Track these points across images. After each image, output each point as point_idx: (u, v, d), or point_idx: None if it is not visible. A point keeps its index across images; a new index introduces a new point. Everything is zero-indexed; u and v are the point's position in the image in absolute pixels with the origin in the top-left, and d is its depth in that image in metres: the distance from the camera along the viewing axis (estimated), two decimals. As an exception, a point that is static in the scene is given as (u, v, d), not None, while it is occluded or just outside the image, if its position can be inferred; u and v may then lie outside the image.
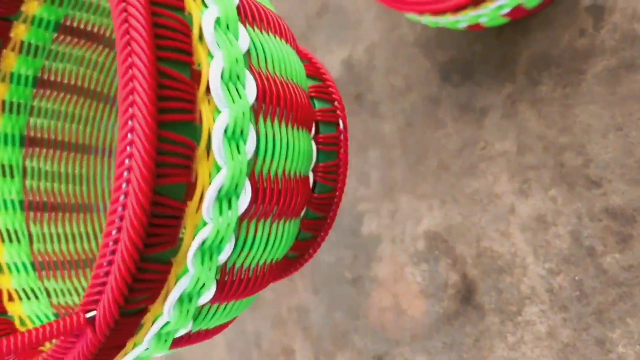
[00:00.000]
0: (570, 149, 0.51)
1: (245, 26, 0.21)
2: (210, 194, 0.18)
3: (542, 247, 0.51)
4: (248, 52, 0.21)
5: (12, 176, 0.32)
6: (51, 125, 0.36)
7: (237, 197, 0.19)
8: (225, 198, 0.19)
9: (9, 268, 0.31)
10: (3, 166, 0.32)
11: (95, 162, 0.39)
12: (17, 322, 0.29)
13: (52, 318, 0.31)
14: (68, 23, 0.35)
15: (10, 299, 0.30)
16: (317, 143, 0.27)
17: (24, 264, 0.31)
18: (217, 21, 0.19)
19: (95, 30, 0.37)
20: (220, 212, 0.19)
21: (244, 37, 0.20)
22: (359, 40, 0.67)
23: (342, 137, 0.28)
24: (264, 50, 0.22)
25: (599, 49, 0.50)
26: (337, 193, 0.28)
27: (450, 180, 0.58)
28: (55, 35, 0.35)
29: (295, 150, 0.23)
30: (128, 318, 0.18)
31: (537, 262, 0.52)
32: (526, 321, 0.51)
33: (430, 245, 0.58)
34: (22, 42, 0.33)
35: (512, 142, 0.54)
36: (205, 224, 0.19)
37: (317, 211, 0.27)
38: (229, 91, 0.19)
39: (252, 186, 0.20)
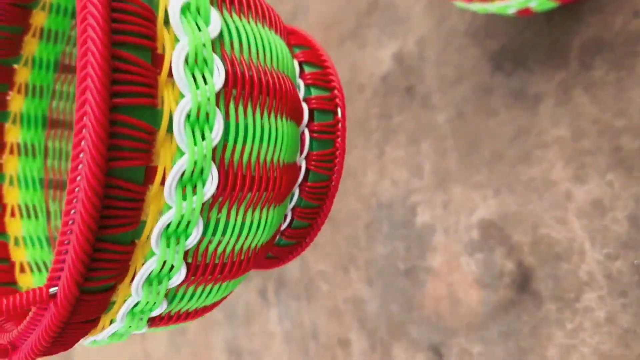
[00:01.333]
0: (627, 132, 0.50)
1: (222, 12, 0.21)
2: (172, 178, 0.18)
3: (600, 233, 0.51)
4: (221, 37, 0.21)
5: (34, 156, 0.35)
6: (73, 108, 0.38)
7: (203, 182, 0.19)
8: (190, 183, 0.19)
9: (25, 242, 0.32)
10: (26, 146, 0.34)
11: None
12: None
13: None
14: None
15: (22, 270, 0.32)
16: (310, 131, 0.27)
17: (39, 239, 0.33)
18: (186, 6, 0.19)
19: None
20: (184, 197, 0.19)
21: (215, 23, 0.20)
22: (409, 33, 0.68)
23: (339, 125, 0.28)
24: (240, 37, 0.21)
25: (655, 29, 0.49)
26: (333, 182, 0.28)
27: (505, 169, 0.57)
28: (74, 22, 0.36)
29: (274, 138, 0.23)
30: (92, 295, 0.18)
31: (594, 247, 0.51)
32: (584, 307, 0.51)
33: (485, 235, 0.58)
34: (42, 29, 0.34)
35: (567, 128, 0.54)
36: (169, 208, 0.19)
37: (310, 200, 0.27)
38: (193, 76, 0.19)
39: (220, 172, 0.20)
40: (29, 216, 0.33)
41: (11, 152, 0.34)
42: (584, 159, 0.52)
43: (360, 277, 0.68)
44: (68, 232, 0.17)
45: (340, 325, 0.69)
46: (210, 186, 0.20)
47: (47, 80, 0.36)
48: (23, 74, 0.34)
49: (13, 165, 0.34)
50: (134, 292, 0.20)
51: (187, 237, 0.20)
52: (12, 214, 0.33)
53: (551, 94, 0.55)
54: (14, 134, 0.34)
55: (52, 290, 0.17)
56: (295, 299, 0.74)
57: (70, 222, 0.17)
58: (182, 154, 0.18)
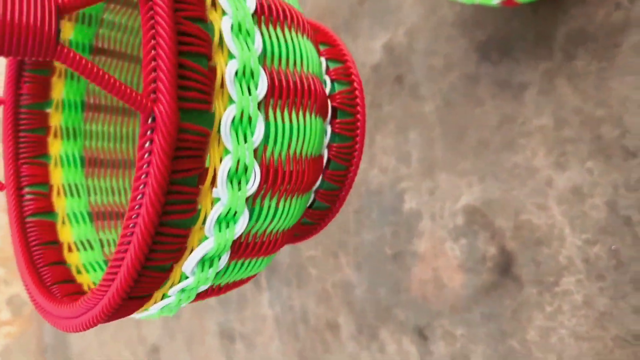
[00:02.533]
0: (607, 121, 0.52)
1: (261, 28, 0.24)
2: (221, 173, 0.21)
3: (579, 218, 0.52)
4: (264, 52, 0.23)
5: (75, 138, 0.37)
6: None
7: (247, 178, 0.22)
8: (236, 178, 0.22)
9: (70, 219, 0.35)
10: (67, 129, 0.36)
11: None
12: (74, 271, 0.33)
13: (104, 267, 0.35)
14: None
15: (70, 250, 0.34)
16: (332, 127, 0.30)
17: (82, 215, 0.36)
18: (236, 27, 0.22)
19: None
20: (231, 191, 0.21)
21: (259, 40, 0.23)
22: (399, 24, 0.69)
23: (358, 123, 0.31)
24: (279, 49, 0.24)
25: (635, 21, 0.50)
26: (352, 171, 0.31)
27: (490, 156, 0.59)
28: (106, 5, 0.38)
29: (306, 136, 0.26)
30: (152, 272, 0.21)
31: (574, 233, 0.52)
32: (563, 291, 0.52)
33: (469, 220, 0.59)
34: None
35: (550, 117, 0.55)
36: (218, 200, 0.22)
37: (331, 182, 0.30)
38: (240, 87, 0.21)
39: (262, 169, 0.23)
40: (72, 194, 0.36)
41: (55, 135, 0.37)
42: (565, 147, 0.54)
43: (349, 262, 0.69)
44: (134, 215, 0.19)
45: (329, 309, 0.70)
46: (253, 181, 0.22)
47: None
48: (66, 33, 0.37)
49: (56, 147, 0.36)
50: (188, 272, 0.22)
51: (235, 224, 0.23)
52: (58, 193, 0.35)
53: (535, 84, 0.56)
54: (56, 119, 0.37)
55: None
56: (286, 284, 0.75)
57: (136, 206, 0.19)
58: (228, 152, 0.21)
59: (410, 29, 0.68)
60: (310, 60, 0.27)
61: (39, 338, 1.28)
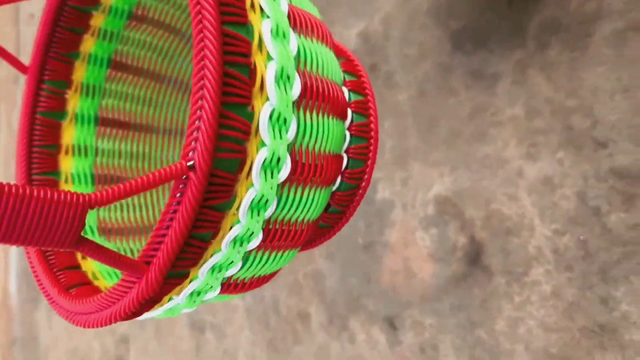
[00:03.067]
0: (578, 112, 0.52)
1: (293, 33, 0.26)
2: (257, 163, 0.23)
3: (549, 209, 0.52)
4: (298, 56, 0.26)
5: (93, 95, 0.40)
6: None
7: (279, 169, 0.25)
8: (269, 168, 0.24)
9: (73, 179, 0.36)
10: (88, 85, 0.39)
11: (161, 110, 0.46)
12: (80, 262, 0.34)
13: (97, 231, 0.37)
14: (140, 12, 0.41)
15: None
16: (349, 130, 0.33)
17: (85, 175, 0.37)
18: (275, 31, 0.24)
19: (163, 18, 0.43)
20: (265, 179, 0.24)
21: (294, 44, 0.25)
22: (375, 12, 0.68)
23: (372, 125, 0.34)
24: (309, 54, 0.27)
25: (607, 11, 0.50)
26: (367, 169, 0.34)
27: (462, 146, 0.58)
28: (128, 22, 0.40)
29: (329, 135, 0.28)
30: (191, 248, 0.23)
31: (543, 223, 0.52)
32: (532, 281, 0.52)
33: (440, 210, 0.59)
34: (99, 29, 0.39)
35: (522, 107, 0.55)
36: (252, 185, 0.24)
37: (349, 182, 0.34)
38: (278, 88, 0.24)
39: (292, 160, 0.25)
40: (79, 154, 0.38)
41: (75, 90, 0.39)
42: (537, 138, 0.53)
43: (321, 252, 0.69)
44: (179, 194, 0.22)
45: (301, 299, 0.70)
46: (284, 171, 0.25)
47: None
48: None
49: (73, 103, 0.39)
50: (223, 249, 0.24)
51: (265, 210, 0.25)
52: (66, 152, 0.37)
53: (508, 74, 0.56)
54: (80, 72, 0.39)
55: (190, 163, 0.22)
56: (257, 273, 0.75)
57: (180, 185, 0.22)
58: (264, 145, 0.23)
59: (385, 17, 0.67)
60: (333, 70, 0.29)
61: (6, 332, 1.25)
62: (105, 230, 0.38)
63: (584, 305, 0.49)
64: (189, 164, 0.21)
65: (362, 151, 0.34)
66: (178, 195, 0.22)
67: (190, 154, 0.21)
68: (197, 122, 0.21)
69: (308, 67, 0.26)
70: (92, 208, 0.18)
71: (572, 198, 0.51)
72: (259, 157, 0.23)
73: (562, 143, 0.52)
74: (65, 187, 0.36)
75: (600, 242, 0.49)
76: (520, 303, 0.53)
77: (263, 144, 0.23)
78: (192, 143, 0.21)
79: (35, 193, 0.16)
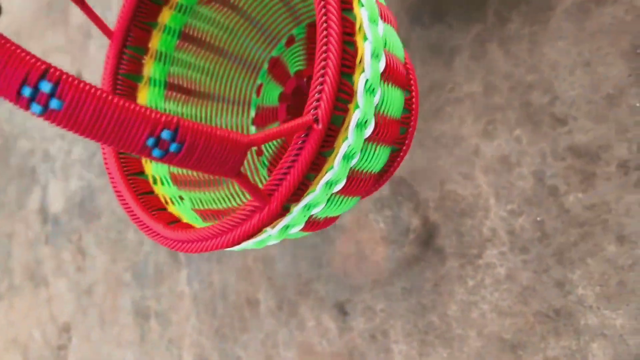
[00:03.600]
0: (537, 88, 0.49)
1: (380, 20, 0.31)
2: (352, 122, 0.28)
3: (505, 189, 0.50)
4: (384, 37, 0.31)
5: (164, 62, 0.44)
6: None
7: (366, 126, 0.30)
8: (360, 126, 0.29)
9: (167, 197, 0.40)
10: (161, 53, 0.44)
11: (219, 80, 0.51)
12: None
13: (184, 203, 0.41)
14: None
15: (155, 182, 0.40)
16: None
17: (167, 182, 0.41)
18: (371, 18, 0.29)
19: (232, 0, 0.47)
20: (356, 135, 0.29)
21: (381, 28, 0.31)
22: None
23: (414, 99, 0.41)
24: (389, 37, 0.32)
25: (569, -18, 0.48)
26: (409, 136, 0.41)
27: (418, 124, 0.56)
28: None
29: (398, 104, 0.34)
30: (302, 186, 0.28)
31: (499, 203, 0.50)
32: (486, 264, 0.50)
33: (395, 191, 0.56)
34: (176, 2, 0.44)
35: (479, 83, 0.52)
36: (347, 138, 0.29)
37: (396, 145, 0.40)
38: (371, 63, 0.29)
39: (375, 121, 0.31)
40: None
41: (151, 56, 0.44)
42: (494, 115, 0.51)
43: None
44: (304, 133, 0.27)
45: (250, 284, 0.66)
46: (369, 129, 0.30)
47: (171, 46, 0.46)
48: (155, 38, 0.44)
49: (148, 68, 0.43)
50: (317, 189, 0.29)
51: (352, 160, 0.30)
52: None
53: (466, 48, 0.54)
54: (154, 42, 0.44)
55: (315, 117, 0.27)
56: (206, 259, 0.71)
57: (300, 142, 0.27)
58: (358, 107, 0.28)
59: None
60: (400, 50, 0.35)
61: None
62: (177, 181, 0.43)
63: (539, 288, 0.47)
64: (314, 117, 0.27)
65: (407, 120, 0.40)
66: (300, 142, 0.27)
67: (313, 110, 0.27)
68: (319, 86, 0.27)
69: (388, 47, 0.32)
70: (252, 146, 0.23)
71: (529, 177, 0.49)
72: (355, 116, 0.28)
73: (520, 120, 0.50)
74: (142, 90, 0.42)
75: (556, 223, 0.47)
76: (474, 286, 0.50)
77: (357, 106, 0.29)
78: (315, 102, 0.27)
79: (222, 133, 0.21)
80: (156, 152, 0.19)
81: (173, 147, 0.19)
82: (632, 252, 0.43)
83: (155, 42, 0.43)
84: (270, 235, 0.30)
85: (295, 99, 0.49)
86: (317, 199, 0.30)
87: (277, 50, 0.50)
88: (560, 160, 0.47)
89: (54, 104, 0.17)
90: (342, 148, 0.28)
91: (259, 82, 0.51)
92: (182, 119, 0.20)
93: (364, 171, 0.33)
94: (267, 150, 0.50)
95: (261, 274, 0.65)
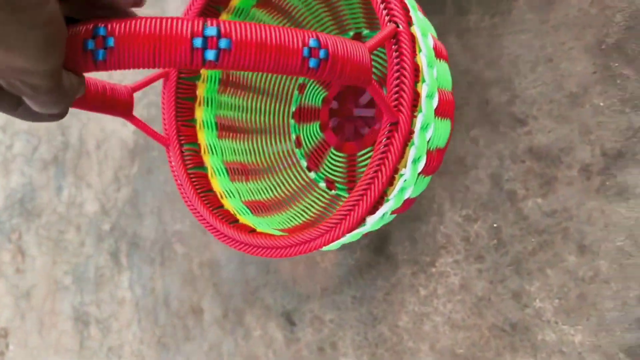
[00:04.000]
0: (496, 84, 0.46)
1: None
2: (422, 95, 0.33)
3: (461, 192, 0.46)
4: (438, 78, 0.36)
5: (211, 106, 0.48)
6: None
7: (432, 98, 0.35)
8: (429, 97, 0.34)
9: (214, 171, 0.46)
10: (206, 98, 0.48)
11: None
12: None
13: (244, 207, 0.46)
14: None
15: (212, 175, 0.45)
16: None
17: (219, 169, 0.47)
18: (423, 33, 0.34)
19: None
20: (427, 105, 0.33)
21: (435, 72, 0.36)
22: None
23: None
24: (443, 76, 0.38)
25: (531, -29, 0.45)
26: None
27: (372, 122, 0.52)
28: None
29: (451, 81, 0.40)
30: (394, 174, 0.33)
31: (454, 208, 0.46)
32: (440, 272, 0.46)
33: (347, 192, 0.53)
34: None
35: (437, 79, 0.49)
36: (421, 111, 0.33)
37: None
38: (429, 70, 0.34)
39: (438, 96, 0.35)
40: (211, 153, 0.47)
41: (199, 103, 0.48)
42: (452, 112, 0.48)
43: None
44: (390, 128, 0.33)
45: (194, 291, 0.62)
46: (435, 100, 0.35)
47: (214, 91, 0.50)
48: (201, 87, 0.48)
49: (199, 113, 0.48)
50: (407, 171, 0.33)
51: (427, 131, 0.34)
52: (204, 152, 0.46)
53: (424, 41, 0.50)
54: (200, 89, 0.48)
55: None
56: (149, 263, 0.66)
57: (388, 132, 0.33)
58: (425, 81, 0.33)
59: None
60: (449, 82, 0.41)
61: None
62: (229, 171, 0.48)
63: (494, 300, 0.44)
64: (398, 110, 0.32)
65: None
66: (388, 132, 0.32)
67: (395, 93, 0.33)
68: (397, 86, 0.33)
69: (440, 85, 0.38)
70: (371, 51, 0.27)
71: (485, 181, 0.45)
72: (423, 90, 0.33)
73: (477, 119, 0.46)
74: (200, 132, 0.47)
75: (514, 231, 0.44)
76: (426, 296, 0.47)
77: (424, 80, 0.33)
78: (396, 100, 0.32)
79: (351, 42, 0.25)
80: (312, 62, 0.22)
81: (322, 54, 0.23)
82: (593, 263, 0.40)
83: (201, 90, 0.48)
84: (375, 221, 0.34)
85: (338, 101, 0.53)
86: (408, 182, 0.34)
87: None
88: (519, 162, 0.44)
89: (223, 43, 0.19)
90: (418, 120, 0.33)
91: (300, 80, 0.54)
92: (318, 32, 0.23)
93: (435, 148, 0.37)
94: (307, 144, 0.53)
95: (206, 280, 0.61)
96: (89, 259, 0.72)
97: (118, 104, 0.36)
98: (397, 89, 0.32)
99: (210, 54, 0.19)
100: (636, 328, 0.38)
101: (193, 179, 0.43)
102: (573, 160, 0.42)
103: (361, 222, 0.33)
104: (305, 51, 0.22)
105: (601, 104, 0.41)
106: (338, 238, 0.34)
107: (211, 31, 0.19)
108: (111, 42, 0.19)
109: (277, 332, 0.55)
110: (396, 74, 0.32)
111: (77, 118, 0.78)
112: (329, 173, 0.51)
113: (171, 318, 0.63)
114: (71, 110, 0.79)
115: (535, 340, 0.42)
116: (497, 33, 0.46)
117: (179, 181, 0.43)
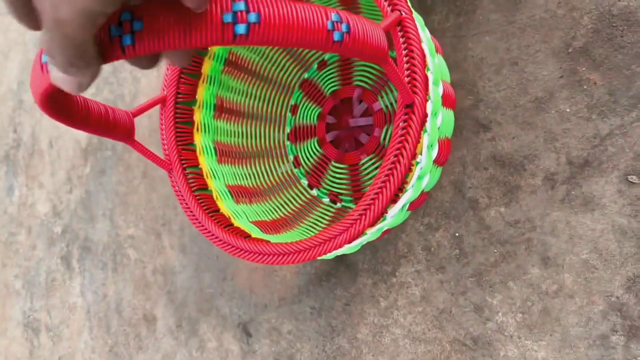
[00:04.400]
0: (460, 88, 0.44)
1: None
2: (430, 80, 0.33)
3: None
4: (439, 72, 0.37)
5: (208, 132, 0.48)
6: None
7: (438, 85, 0.34)
8: (435, 84, 0.34)
9: (218, 194, 0.45)
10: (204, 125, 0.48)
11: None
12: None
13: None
14: None
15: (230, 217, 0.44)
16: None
17: (223, 192, 0.46)
18: (431, 52, 0.34)
19: None
20: (435, 92, 0.34)
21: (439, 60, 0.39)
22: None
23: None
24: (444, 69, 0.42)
25: (497, -30, 0.43)
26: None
27: (333, 124, 0.50)
28: None
29: (446, 72, 0.42)
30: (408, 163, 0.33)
31: (415, 217, 0.45)
32: (400, 283, 0.44)
33: (306, 198, 0.50)
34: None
35: (400, 80, 0.47)
36: (430, 98, 0.33)
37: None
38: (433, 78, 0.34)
39: (443, 92, 0.37)
40: (213, 177, 0.46)
41: (197, 129, 0.48)
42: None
43: (172, 244, 0.58)
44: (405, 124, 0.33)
45: (147, 298, 0.59)
46: (440, 89, 0.35)
47: (218, 71, 0.49)
48: (206, 64, 0.47)
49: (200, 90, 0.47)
50: (422, 159, 0.33)
51: (437, 117, 0.34)
52: (207, 176, 0.45)
53: (387, 41, 0.48)
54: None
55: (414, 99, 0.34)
56: (101, 267, 0.63)
57: (404, 115, 0.33)
58: (429, 70, 0.34)
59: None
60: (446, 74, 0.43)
61: None
62: (233, 194, 0.47)
63: (456, 313, 0.42)
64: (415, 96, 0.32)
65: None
66: (404, 115, 0.33)
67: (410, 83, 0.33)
68: (409, 69, 0.33)
69: (444, 78, 0.40)
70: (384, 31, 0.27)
71: (448, 188, 0.44)
72: (430, 77, 0.33)
73: (441, 123, 0.44)
74: (196, 135, 0.47)
75: (476, 240, 0.42)
76: (387, 308, 0.45)
77: (429, 69, 0.33)
78: (410, 81, 0.32)
79: (368, 21, 0.25)
80: (337, 35, 0.23)
81: (344, 27, 0.23)
82: (557, 276, 0.39)
83: (206, 67, 0.47)
84: (398, 213, 0.33)
85: (334, 116, 0.51)
86: (424, 170, 0.34)
87: (309, 73, 0.53)
88: (482, 170, 0.42)
89: (252, 17, 0.20)
90: (428, 106, 0.32)
91: (292, 102, 0.53)
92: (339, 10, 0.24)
93: (444, 137, 0.37)
94: (305, 162, 0.52)
95: (160, 288, 0.58)
96: (40, 263, 0.69)
97: (119, 128, 0.35)
98: (409, 71, 0.33)
99: (240, 28, 0.20)
100: (600, 345, 0.37)
101: (200, 200, 0.43)
102: (537, 169, 0.40)
103: (383, 214, 0.33)
104: (329, 25, 0.22)
105: (567, 109, 0.40)
106: (363, 230, 0.33)
107: (239, 6, 0.20)
108: (139, 25, 0.19)
109: (232, 344, 0.52)
110: (406, 58, 0.33)
111: (30, 115, 0.74)
112: (332, 187, 0.49)
113: (123, 326, 0.60)
114: (24, 105, 0.76)
115: (497, 355, 0.40)
116: (461, 34, 0.44)
117: (185, 203, 0.43)
